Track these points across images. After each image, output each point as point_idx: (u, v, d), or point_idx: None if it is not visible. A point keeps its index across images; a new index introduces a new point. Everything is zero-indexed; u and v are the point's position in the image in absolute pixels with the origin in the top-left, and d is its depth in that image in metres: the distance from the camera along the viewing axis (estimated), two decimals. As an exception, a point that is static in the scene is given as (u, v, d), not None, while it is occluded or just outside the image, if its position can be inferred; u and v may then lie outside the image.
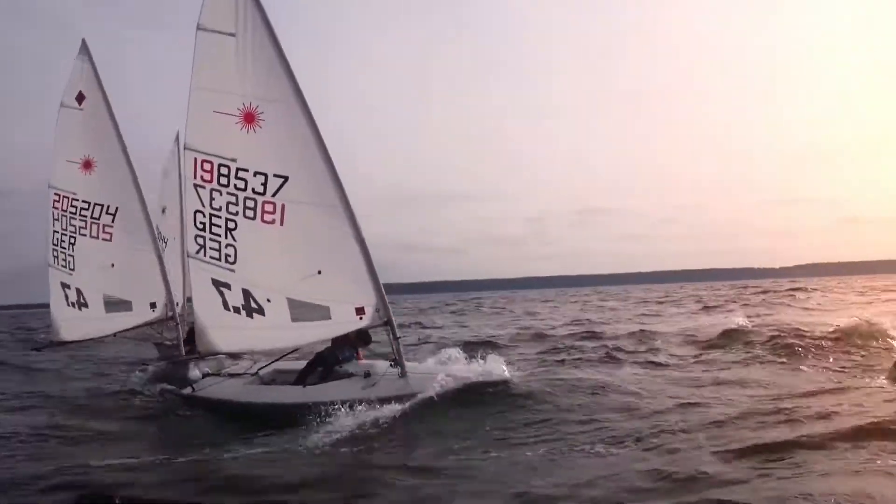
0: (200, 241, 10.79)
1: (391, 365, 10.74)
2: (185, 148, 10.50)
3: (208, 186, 10.52)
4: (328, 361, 11.48)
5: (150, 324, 14.28)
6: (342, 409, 9.56)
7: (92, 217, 13.95)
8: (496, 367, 10.97)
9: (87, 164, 13.94)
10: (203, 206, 10.60)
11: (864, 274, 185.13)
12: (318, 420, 9.47)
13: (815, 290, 58.98)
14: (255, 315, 10.79)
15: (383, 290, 10.52)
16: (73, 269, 14.20)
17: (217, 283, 10.89)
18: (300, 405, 10.34)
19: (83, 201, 14.00)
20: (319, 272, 10.43)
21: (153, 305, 13.82)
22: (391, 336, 10.61)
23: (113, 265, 13.83)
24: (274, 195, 10.28)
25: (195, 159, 10.48)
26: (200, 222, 10.70)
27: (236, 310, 10.87)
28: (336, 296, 10.49)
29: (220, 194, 10.48)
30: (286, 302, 10.62)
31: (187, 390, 11.85)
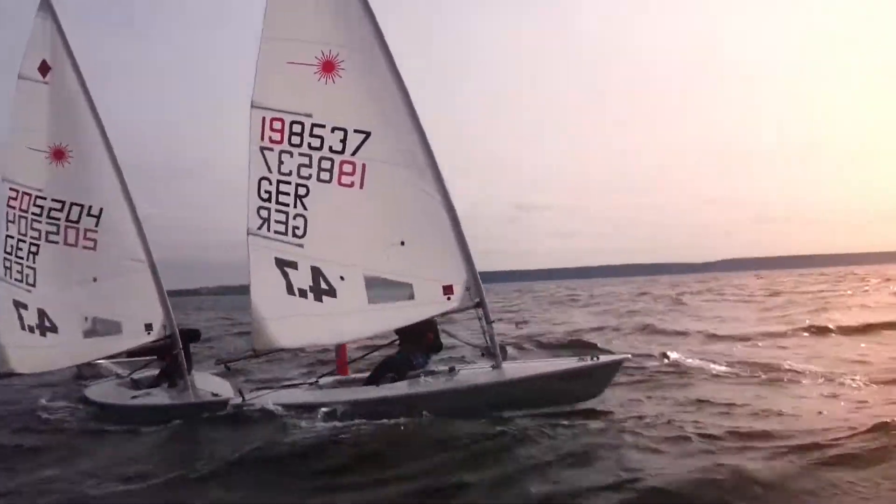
0: (264, 213, 9.46)
1: (482, 354, 9.17)
2: (251, 106, 9.33)
3: (277, 148, 9.28)
4: (401, 366, 9.86)
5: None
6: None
7: (68, 220, 10.93)
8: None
9: (59, 154, 11.01)
10: (270, 171, 9.34)
11: (779, 269, 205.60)
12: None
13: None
14: (324, 298, 9.33)
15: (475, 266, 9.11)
16: (31, 285, 11.17)
17: (281, 263, 9.47)
18: (382, 400, 8.78)
19: (54, 200, 10.92)
20: (403, 243, 9.04)
21: (149, 327, 10.99)
22: (483, 320, 9.08)
23: (96, 279, 10.98)
24: (354, 154, 9.02)
25: (263, 118, 9.29)
26: (266, 191, 9.40)
27: (302, 293, 9.42)
28: (421, 272, 9.05)
29: (291, 156, 9.23)
30: (362, 280, 9.19)
31: (236, 400, 10.20)
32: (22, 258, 11.22)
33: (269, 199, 9.39)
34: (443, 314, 9.20)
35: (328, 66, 9.04)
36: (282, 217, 9.36)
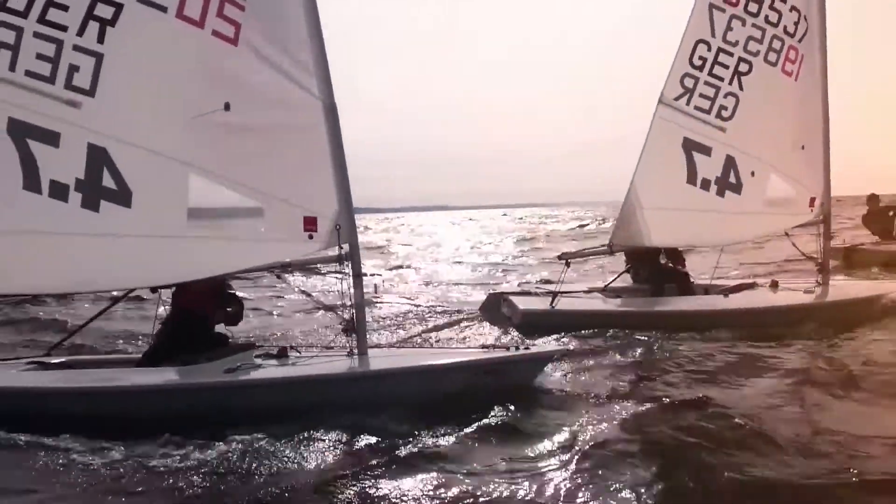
0: (689, 82, 7.98)
1: (818, 270, 9.32)
2: None
3: (729, 11, 7.91)
4: (682, 277, 9.38)
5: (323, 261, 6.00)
6: None
7: None
8: None
9: None
10: (713, 35, 7.91)
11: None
12: None
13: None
14: (727, 193, 8.38)
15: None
16: (77, 104, 5.31)
17: (691, 146, 8.14)
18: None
19: None
20: (803, 147, 8.71)
21: (309, 225, 5.71)
22: (822, 237, 9.27)
23: (228, 106, 5.50)
24: (800, 41, 8.30)
25: None
26: (700, 57, 7.93)
27: (705, 184, 8.28)
28: (805, 179, 8.88)
29: (743, 25, 7.97)
30: (768, 179, 8.56)
31: (539, 306, 8.27)
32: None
33: (700, 68, 7.95)
34: (800, 225, 9.16)
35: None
36: (710, 92, 8.04)
